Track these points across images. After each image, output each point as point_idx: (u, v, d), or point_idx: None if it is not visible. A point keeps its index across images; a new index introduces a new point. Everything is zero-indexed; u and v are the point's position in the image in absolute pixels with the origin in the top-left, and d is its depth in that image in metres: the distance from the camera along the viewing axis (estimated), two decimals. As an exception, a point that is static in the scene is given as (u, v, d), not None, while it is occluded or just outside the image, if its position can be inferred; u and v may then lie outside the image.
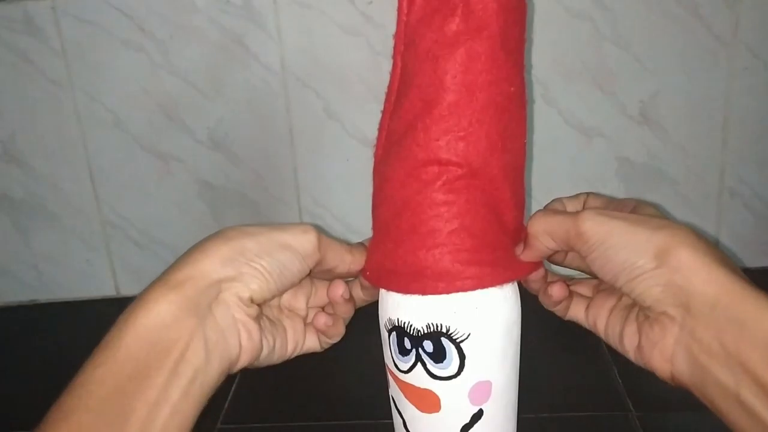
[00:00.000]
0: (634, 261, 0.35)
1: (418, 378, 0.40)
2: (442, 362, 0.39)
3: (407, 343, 0.40)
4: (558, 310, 0.42)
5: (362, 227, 0.79)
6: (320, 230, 0.42)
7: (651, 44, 0.72)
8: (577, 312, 0.42)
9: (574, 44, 0.72)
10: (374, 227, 0.43)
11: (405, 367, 0.41)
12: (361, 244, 0.44)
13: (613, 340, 0.39)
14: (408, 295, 0.39)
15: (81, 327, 0.79)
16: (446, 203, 0.38)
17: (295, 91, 0.75)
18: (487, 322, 0.39)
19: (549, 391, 0.60)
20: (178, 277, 0.36)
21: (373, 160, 0.44)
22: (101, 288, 0.83)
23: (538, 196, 0.77)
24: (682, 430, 0.56)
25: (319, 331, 0.44)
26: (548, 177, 0.76)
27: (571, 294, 0.42)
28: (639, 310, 0.38)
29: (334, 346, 0.72)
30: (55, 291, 0.84)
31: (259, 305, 0.39)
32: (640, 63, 0.72)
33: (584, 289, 0.43)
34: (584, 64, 0.73)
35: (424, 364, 0.40)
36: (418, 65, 0.38)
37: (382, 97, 0.42)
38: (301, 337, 0.44)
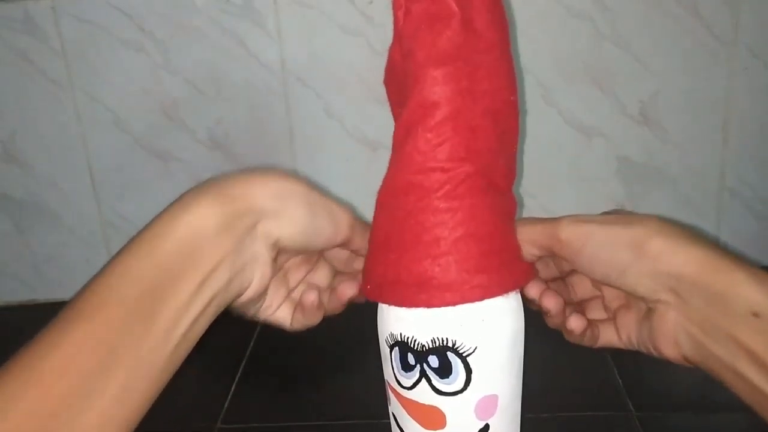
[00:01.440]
0: (616, 257, 0.37)
1: (423, 394, 0.39)
2: (448, 377, 0.38)
3: (411, 359, 0.39)
4: (586, 341, 0.42)
5: (362, 227, 0.79)
6: (355, 212, 0.42)
7: (651, 44, 0.72)
8: (609, 337, 0.42)
9: (574, 44, 0.72)
10: (372, 241, 0.41)
11: (408, 383, 0.40)
12: None
13: (644, 348, 0.40)
14: (411, 309, 0.38)
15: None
16: (450, 210, 0.38)
17: (295, 91, 0.75)
18: (493, 335, 0.39)
19: (549, 391, 0.60)
20: (229, 192, 0.37)
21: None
22: (101, 288, 0.83)
23: (539, 196, 0.77)
24: (682, 430, 0.56)
25: (302, 307, 0.43)
26: (548, 177, 0.76)
27: (589, 322, 0.42)
28: (647, 310, 0.38)
29: (336, 346, 0.72)
30: (55, 291, 0.84)
31: (279, 252, 0.39)
32: (640, 63, 0.72)
33: (596, 312, 0.43)
34: (584, 64, 0.73)
35: (429, 380, 0.39)
36: (418, 73, 0.37)
37: (382, 97, 0.42)
38: (276, 303, 0.43)
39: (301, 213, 0.38)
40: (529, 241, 0.40)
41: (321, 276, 0.45)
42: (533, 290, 0.41)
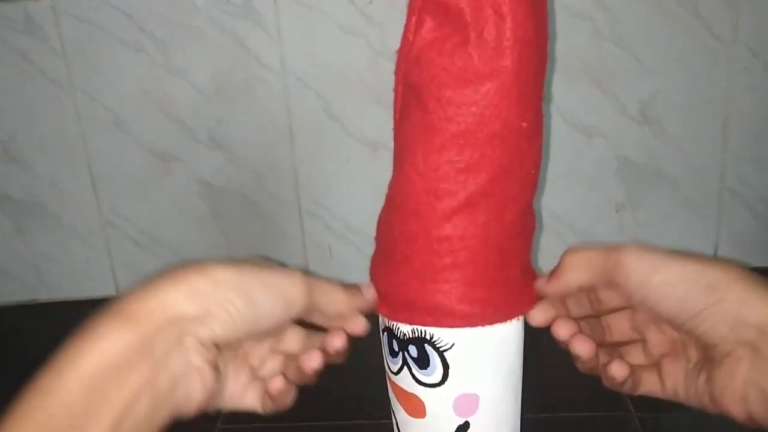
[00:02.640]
0: (691, 297, 0.34)
1: (405, 381, 0.40)
2: (426, 368, 0.39)
3: (395, 345, 0.40)
4: (626, 388, 0.39)
5: (362, 227, 0.79)
6: (307, 274, 0.38)
7: (651, 44, 0.72)
8: (652, 386, 0.39)
9: (574, 44, 0.72)
10: (376, 243, 0.41)
11: (395, 368, 0.41)
12: (355, 285, 0.40)
13: (694, 400, 0.37)
14: None
15: (81, 327, 0.79)
16: (443, 239, 0.37)
17: (295, 91, 0.75)
18: (473, 336, 0.38)
19: (549, 391, 0.60)
20: (135, 309, 0.32)
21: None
22: (101, 288, 0.83)
23: (539, 196, 0.77)
24: (682, 430, 0.56)
25: (270, 396, 0.40)
26: (548, 177, 0.76)
27: (630, 368, 0.38)
28: (705, 361, 0.36)
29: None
30: (55, 291, 0.84)
31: (221, 349, 0.35)
32: (640, 63, 0.72)
33: (636, 357, 0.40)
34: (584, 64, 0.73)
35: (410, 368, 0.40)
36: (422, 89, 0.36)
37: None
38: (239, 389, 0.39)
39: (233, 305, 0.33)
40: (584, 262, 0.37)
41: (291, 342, 0.41)
42: (563, 332, 0.38)
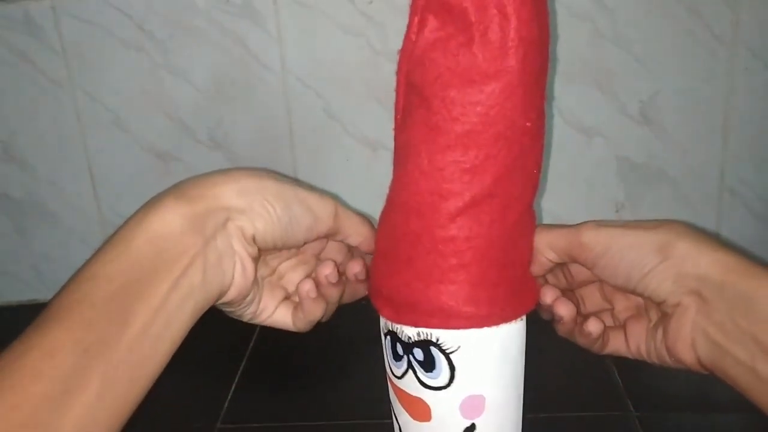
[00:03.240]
0: (640, 260, 0.37)
1: (410, 385, 0.40)
2: (431, 371, 0.39)
3: (399, 349, 0.40)
4: (596, 347, 0.42)
5: (362, 227, 0.79)
6: (339, 201, 0.42)
7: (651, 44, 0.72)
8: (618, 345, 0.42)
9: (574, 44, 0.72)
10: (376, 244, 0.41)
11: (399, 372, 0.40)
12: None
13: (655, 357, 0.40)
14: None
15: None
16: (448, 239, 0.37)
17: (295, 91, 0.75)
18: (479, 337, 0.38)
19: (549, 391, 0.60)
20: (192, 193, 0.37)
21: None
22: (101, 288, 0.83)
23: (539, 196, 0.77)
24: (682, 430, 0.56)
25: (300, 302, 0.43)
26: (548, 177, 0.76)
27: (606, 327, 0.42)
28: (662, 318, 0.39)
29: (336, 346, 0.72)
30: (55, 291, 0.84)
31: (260, 249, 0.39)
32: (640, 63, 0.72)
33: (605, 320, 0.43)
34: (584, 64, 0.73)
35: (414, 372, 0.39)
36: (426, 89, 0.36)
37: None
38: (272, 305, 0.43)
39: (273, 207, 0.38)
40: (549, 245, 0.40)
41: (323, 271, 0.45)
42: (548, 297, 0.41)
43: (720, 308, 0.35)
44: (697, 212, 0.78)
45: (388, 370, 0.42)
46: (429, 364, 0.39)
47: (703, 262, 0.36)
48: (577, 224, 0.40)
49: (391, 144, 0.41)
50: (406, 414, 0.41)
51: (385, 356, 0.42)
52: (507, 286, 0.38)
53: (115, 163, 0.79)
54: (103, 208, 0.81)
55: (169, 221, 0.36)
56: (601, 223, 0.39)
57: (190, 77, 0.75)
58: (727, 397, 0.57)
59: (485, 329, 0.38)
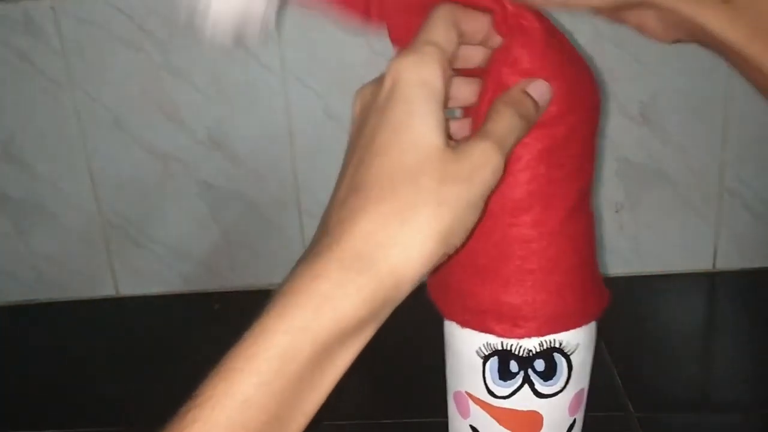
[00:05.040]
0: None
1: (523, 401, 0.39)
2: (551, 379, 0.38)
3: (513, 366, 0.38)
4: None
5: (362, 227, 0.79)
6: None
7: (651, 44, 0.71)
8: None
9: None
10: (459, 259, 0.39)
11: (505, 392, 0.39)
12: None
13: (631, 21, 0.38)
14: None
15: (80, 327, 0.79)
16: (540, 239, 0.37)
17: (295, 91, 0.75)
18: (588, 330, 0.39)
19: (549, 391, 0.60)
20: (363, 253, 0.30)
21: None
22: (101, 288, 0.83)
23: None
24: (682, 430, 0.56)
25: None
26: (548, 177, 0.76)
27: None
28: None
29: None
30: (55, 291, 0.84)
31: None
32: (640, 63, 0.72)
33: None
34: (584, 64, 0.73)
35: (531, 385, 0.38)
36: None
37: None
38: None
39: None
40: None
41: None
42: None
43: None
44: (697, 212, 0.78)
45: (481, 395, 0.40)
46: (550, 372, 0.38)
47: None
48: None
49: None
50: None
51: (478, 381, 0.39)
52: (595, 278, 0.39)
53: (115, 163, 0.79)
54: (103, 208, 0.81)
55: (341, 315, 0.30)
56: None
57: (190, 77, 0.75)
58: (727, 397, 0.57)
59: (593, 322, 0.39)
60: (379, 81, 0.32)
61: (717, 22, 0.31)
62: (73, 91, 0.77)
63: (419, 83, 0.31)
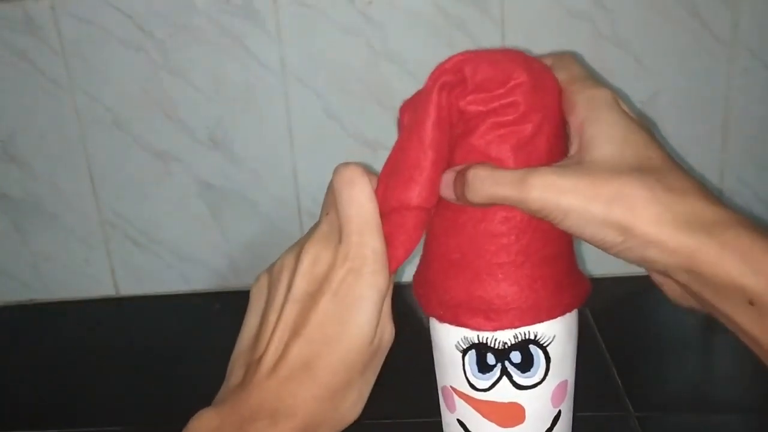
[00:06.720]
0: (604, 237, 0.34)
1: (502, 393, 0.39)
2: (529, 371, 0.39)
3: (490, 359, 0.39)
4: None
5: (362, 227, 0.79)
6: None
7: (651, 44, 0.72)
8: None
9: (574, 44, 0.72)
10: (431, 254, 0.40)
11: (485, 385, 0.39)
12: None
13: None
14: None
15: (80, 327, 0.79)
16: (511, 233, 0.37)
17: (295, 91, 0.75)
18: (566, 321, 0.39)
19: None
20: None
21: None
22: (100, 288, 0.83)
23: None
24: (682, 430, 0.56)
25: None
26: (548, 177, 0.76)
27: None
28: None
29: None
30: (54, 290, 0.84)
31: None
32: (640, 63, 0.72)
33: None
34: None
35: (509, 377, 0.39)
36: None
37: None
38: None
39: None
40: (489, 197, 0.35)
41: None
42: None
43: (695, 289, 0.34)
44: (697, 212, 0.77)
45: (461, 388, 0.40)
46: (527, 364, 0.38)
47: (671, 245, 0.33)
48: (522, 172, 0.35)
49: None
50: (493, 425, 0.40)
51: (459, 375, 0.40)
52: (575, 270, 0.40)
53: (114, 163, 0.79)
54: (102, 208, 0.81)
55: None
56: (547, 181, 0.34)
57: (190, 77, 0.75)
58: (727, 397, 0.57)
59: (573, 313, 0.39)
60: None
61: (746, 319, 0.33)
62: (73, 91, 0.77)
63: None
